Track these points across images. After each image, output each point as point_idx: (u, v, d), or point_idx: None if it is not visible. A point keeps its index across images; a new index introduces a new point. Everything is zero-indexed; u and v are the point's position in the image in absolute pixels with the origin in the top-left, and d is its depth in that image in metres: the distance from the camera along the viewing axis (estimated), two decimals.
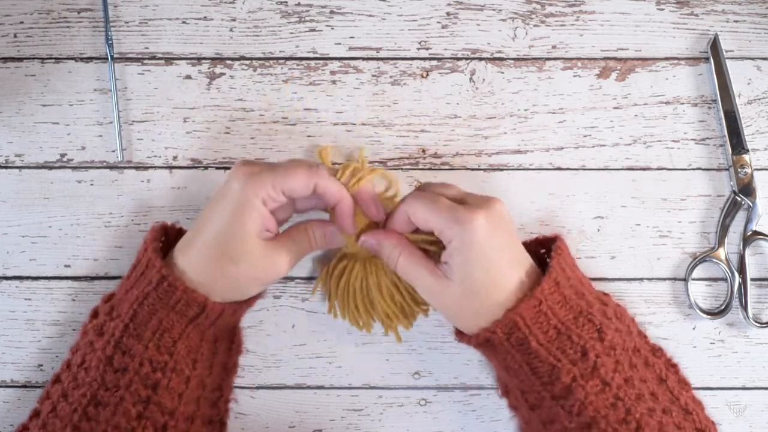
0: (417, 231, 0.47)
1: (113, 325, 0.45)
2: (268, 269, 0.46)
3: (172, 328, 0.45)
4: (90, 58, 0.54)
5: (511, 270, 0.44)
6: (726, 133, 0.53)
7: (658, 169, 0.53)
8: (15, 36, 0.54)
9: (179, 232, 0.50)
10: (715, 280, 0.53)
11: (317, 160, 0.52)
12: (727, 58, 0.53)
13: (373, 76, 0.54)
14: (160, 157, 0.53)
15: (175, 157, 0.54)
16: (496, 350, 0.45)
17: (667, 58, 0.54)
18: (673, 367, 0.48)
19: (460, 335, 0.47)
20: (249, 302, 0.49)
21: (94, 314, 0.48)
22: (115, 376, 0.44)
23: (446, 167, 0.53)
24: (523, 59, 0.54)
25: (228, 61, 0.53)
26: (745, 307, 0.52)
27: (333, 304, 0.52)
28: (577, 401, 0.43)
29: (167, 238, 0.49)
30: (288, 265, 0.46)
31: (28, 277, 0.53)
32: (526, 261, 0.45)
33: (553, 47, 0.54)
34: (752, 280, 0.53)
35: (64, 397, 0.45)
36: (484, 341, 0.45)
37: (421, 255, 0.46)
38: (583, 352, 0.43)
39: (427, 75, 0.54)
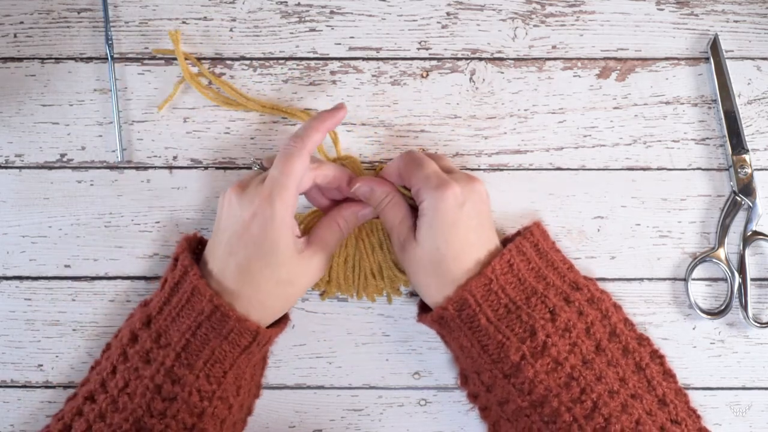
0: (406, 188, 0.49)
1: (163, 354, 0.45)
2: (314, 277, 0.48)
3: (224, 359, 0.45)
4: (90, 58, 0.54)
5: (472, 248, 0.45)
6: (726, 133, 0.53)
7: (658, 169, 0.53)
8: (15, 36, 0.54)
9: (200, 241, 0.50)
10: (715, 280, 0.53)
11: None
12: (727, 58, 0.53)
13: (373, 76, 0.54)
14: (160, 157, 0.53)
15: (175, 157, 0.54)
16: (450, 328, 0.46)
17: (667, 58, 0.54)
18: (658, 358, 0.49)
19: (421, 316, 0.49)
20: (286, 322, 0.51)
21: (133, 337, 0.47)
22: (163, 404, 0.44)
23: None
24: (523, 59, 0.54)
25: (228, 61, 0.53)
26: (745, 307, 0.52)
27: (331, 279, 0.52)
28: (527, 379, 0.43)
29: (191, 251, 0.49)
30: (327, 266, 0.49)
31: (28, 277, 0.53)
32: (490, 244, 0.46)
33: (553, 47, 0.54)
34: (752, 280, 0.53)
35: (101, 418, 0.45)
36: (438, 318, 0.46)
37: (406, 210, 0.48)
38: (532, 331, 0.44)
39: (427, 75, 0.54)
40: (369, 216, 0.50)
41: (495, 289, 0.44)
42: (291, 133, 0.53)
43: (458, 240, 0.44)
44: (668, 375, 0.49)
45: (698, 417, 0.47)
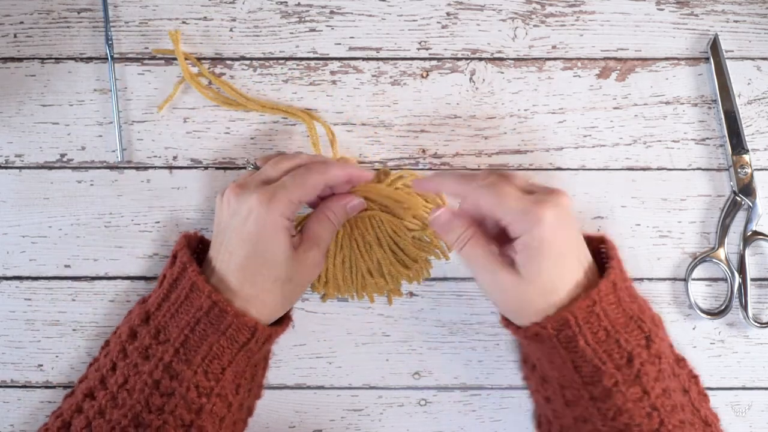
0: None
1: (162, 350, 0.45)
2: (311, 273, 0.48)
3: (222, 355, 0.45)
4: (90, 58, 0.54)
5: (574, 268, 0.43)
6: (726, 133, 0.53)
7: (658, 169, 0.53)
8: (15, 36, 0.54)
9: (201, 240, 0.50)
10: (715, 280, 0.53)
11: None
12: (727, 58, 0.53)
13: (373, 76, 0.54)
14: (160, 157, 0.53)
15: (175, 157, 0.54)
16: (543, 344, 0.45)
17: (667, 58, 0.54)
18: (694, 378, 0.48)
19: (508, 324, 0.47)
20: (288, 322, 0.50)
21: (133, 334, 0.47)
22: (161, 399, 0.44)
23: (446, 167, 0.53)
24: (523, 59, 0.54)
25: (228, 61, 0.53)
26: (745, 307, 0.52)
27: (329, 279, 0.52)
28: (614, 406, 0.42)
29: (191, 249, 0.49)
30: (323, 260, 0.49)
31: (28, 277, 0.53)
32: (586, 259, 0.45)
33: (553, 47, 0.54)
34: (752, 280, 0.53)
35: (101, 415, 0.45)
36: (533, 335, 0.44)
37: (489, 241, 0.45)
38: (629, 358, 0.42)
39: (427, 75, 0.54)
40: (358, 207, 0.50)
41: (597, 311, 0.42)
42: (290, 133, 0.53)
43: (562, 263, 0.43)
44: (702, 396, 0.47)
45: None
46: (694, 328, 0.53)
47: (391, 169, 0.53)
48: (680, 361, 0.48)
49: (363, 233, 0.51)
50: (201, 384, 0.45)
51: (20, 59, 0.53)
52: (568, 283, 0.43)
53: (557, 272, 0.42)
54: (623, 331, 0.43)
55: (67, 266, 0.53)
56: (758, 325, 0.52)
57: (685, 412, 0.44)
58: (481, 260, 0.44)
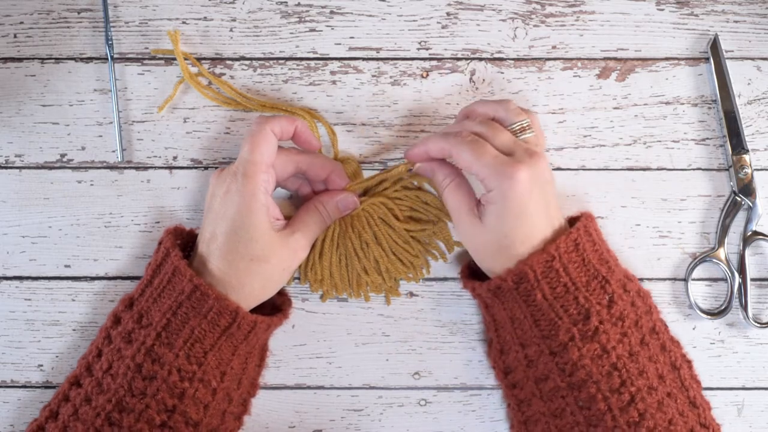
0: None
1: (144, 333, 0.45)
2: (291, 257, 0.48)
3: (203, 338, 0.45)
4: (90, 58, 0.54)
5: (540, 230, 0.45)
6: (726, 133, 0.53)
7: (658, 169, 0.53)
8: (15, 36, 0.54)
9: (190, 234, 0.51)
10: (715, 280, 0.53)
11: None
12: (727, 58, 0.53)
13: (373, 76, 0.54)
14: (160, 157, 0.53)
15: (175, 157, 0.54)
16: (504, 299, 0.46)
17: (667, 58, 0.54)
18: (687, 362, 0.49)
19: (469, 283, 0.49)
20: (281, 317, 0.50)
21: (116, 320, 0.48)
22: (143, 383, 0.44)
23: None
24: (523, 59, 0.54)
25: (228, 61, 0.53)
26: (745, 308, 0.52)
27: (326, 281, 0.52)
28: (570, 360, 0.44)
29: (180, 240, 0.49)
30: (307, 247, 0.49)
31: (28, 277, 0.53)
32: (556, 221, 0.46)
33: (553, 47, 0.54)
34: (752, 280, 0.53)
35: (87, 402, 0.45)
36: (495, 288, 0.46)
37: (468, 190, 0.47)
38: (586, 315, 0.44)
39: (427, 75, 0.54)
40: (349, 205, 0.50)
41: (557, 267, 0.44)
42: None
43: (527, 225, 0.44)
44: (695, 381, 0.48)
45: (718, 426, 0.47)
46: (694, 328, 0.53)
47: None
48: (675, 342, 0.49)
49: (360, 232, 0.51)
50: (183, 367, 0.45)
51: (20, 59, 0.53)
52: (532, 240, 0.44)
53: (520, 229, 0.44)
54: (584, 288, 0.44)
55: (67, 266, 0.53)
56: (758, 325, 0.52)
57: (665, 383, 0.44)
58: (456, 205, 0.47)
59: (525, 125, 0.46)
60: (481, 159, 0.44)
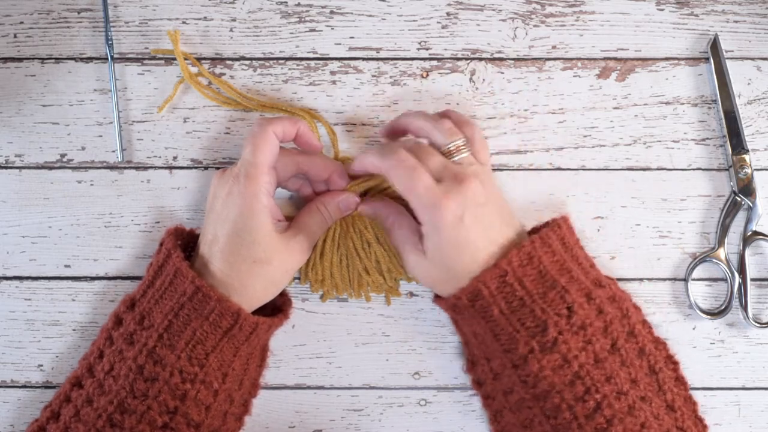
0: None
1: (146, 335, 0.45)
2: (293, 259, 0.48)
3: (205, 340, 0.45)
4: (90, 58, 0.54)
5: (482, 250, 0.44)
6: (726, 133, 0.53)
7: (658, 169, 0.53)
8: (15, 36, 0.54)
9: (190, 234, 0.51)
10: (715, 280, 0.53)
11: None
12: (727, 58, 0.53)
13: (373, 76, 0.54)
14: (160, 157, 0.53)
15: (175, 157, 0.54)
16: (464, 315, 0.47)
17: (667, 58, 0.54)
18: (672, 363, 0.48)
19: (436, 298, 0.50)
20: (282, 318, 0.50)
21: (118, 321, 0.48)
22: (145, 385, 0.44)
23: None
24: (523, 59, 0.54)
25: (228, 61, 0.53)
26: (745, 308, 0.52)
27: (326, 281, 0.52)
28: (532, 373, 0.44)
29: (181, 240, 0.49)
30: (309, 249, 0.49)
31: (28, 277, 0.53)
32: (503, 237, 0.45)
33: (553, 47, 0.54)
34: (752, 280, 0.53)
35: (89, 403, 0.45)
36: (452, 306, 0.46)
37: (409, 225, 0.48)
38: (544, 327, 0.44)
39: (427, 75, 0.54)
40: (351, 205, 0.50)
41: (510, 281, 0.44)
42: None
43: (467, 253, 0.44)
44: (680, 382, 0.48)
45: (705, 426, 0.47)
46: (694, 328, 0.53)
47: None
48: (659, 343, 0.49)
49: (361, 231, 0.51)
50: (185, 369, 0.45)
51: (20, 59, 0.53)
52: (479, 259, 0.44)
53: (460, 258, 0.44)
54: (540, 300, 0.44)
55: (67, 266, 0.53)
56: (758, 325, 0.52)
57: (638, 387, 0.44)
58: (399, 242, 0.48)
59: (460, 144, 0.46)
60: (414, 190, 0.44)
